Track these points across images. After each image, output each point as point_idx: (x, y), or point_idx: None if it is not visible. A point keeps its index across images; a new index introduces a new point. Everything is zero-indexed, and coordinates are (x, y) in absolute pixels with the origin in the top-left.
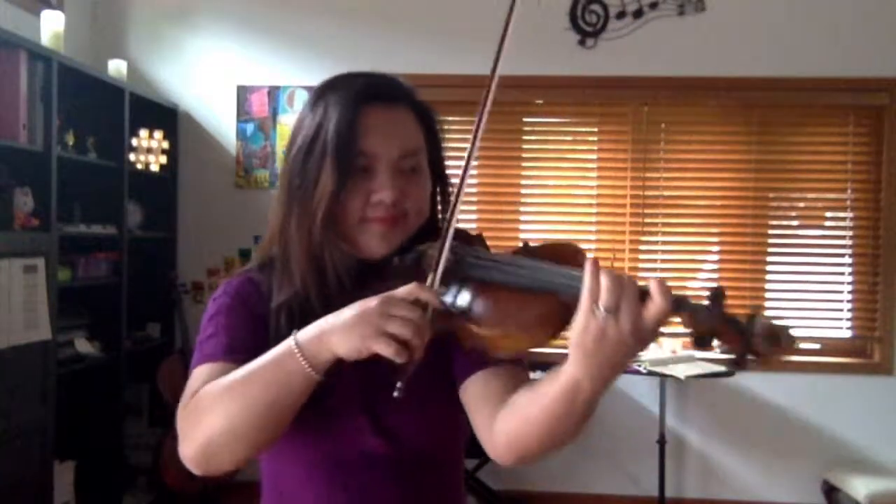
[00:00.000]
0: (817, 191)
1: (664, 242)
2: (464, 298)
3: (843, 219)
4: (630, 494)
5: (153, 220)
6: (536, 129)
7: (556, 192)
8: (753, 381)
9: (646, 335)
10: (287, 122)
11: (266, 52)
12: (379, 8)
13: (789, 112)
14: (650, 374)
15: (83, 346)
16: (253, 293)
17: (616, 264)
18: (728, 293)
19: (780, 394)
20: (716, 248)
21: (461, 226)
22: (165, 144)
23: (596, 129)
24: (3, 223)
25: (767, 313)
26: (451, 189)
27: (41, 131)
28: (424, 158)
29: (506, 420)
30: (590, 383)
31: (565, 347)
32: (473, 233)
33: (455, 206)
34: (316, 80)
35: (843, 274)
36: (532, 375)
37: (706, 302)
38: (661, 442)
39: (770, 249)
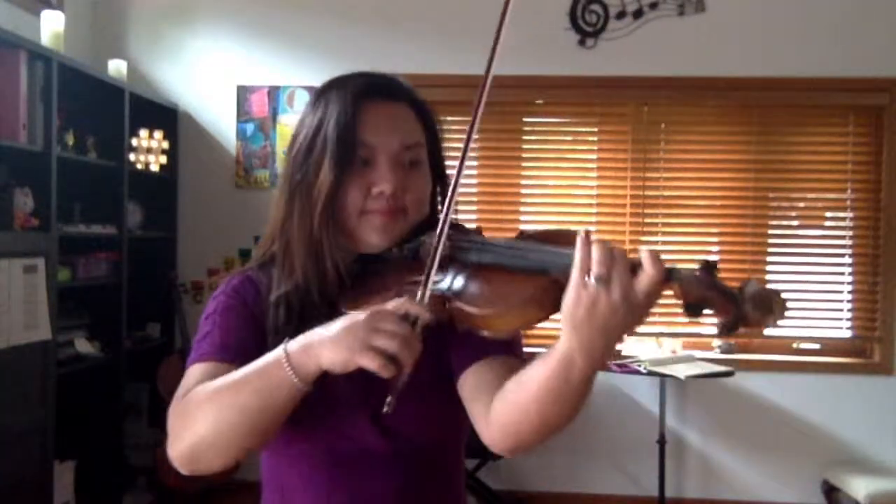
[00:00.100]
0: (817, 191)
1: (664, 242)
2: (458, 281)
3: (843, 219)
4: (630, 494)
5: (153, 220)
6: (536, 129)
7: (556, 192)
8: (753, 381)
9: (637, 306)
10: (287, 122)
11: (266, 52)
12: (379, 8)
13: (789, 112)
14: (650, 374)
15: (83, 346)
16: (252, 292)
17: None
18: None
19: (780, 394)
20: (716, 248)
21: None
22: (165, 144)
23: (596, 129)
24: (3, 223)
25: None
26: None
27: (41, 131)
28: (424, 154)
29: (500, 406)
30: (583, 357)
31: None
32: (472, 228)
33: (454, 189)
34: (316, 80)
35: (843, 274)
36: None
37: (697, 272)
38: (661, 442)
39: (770, 249)
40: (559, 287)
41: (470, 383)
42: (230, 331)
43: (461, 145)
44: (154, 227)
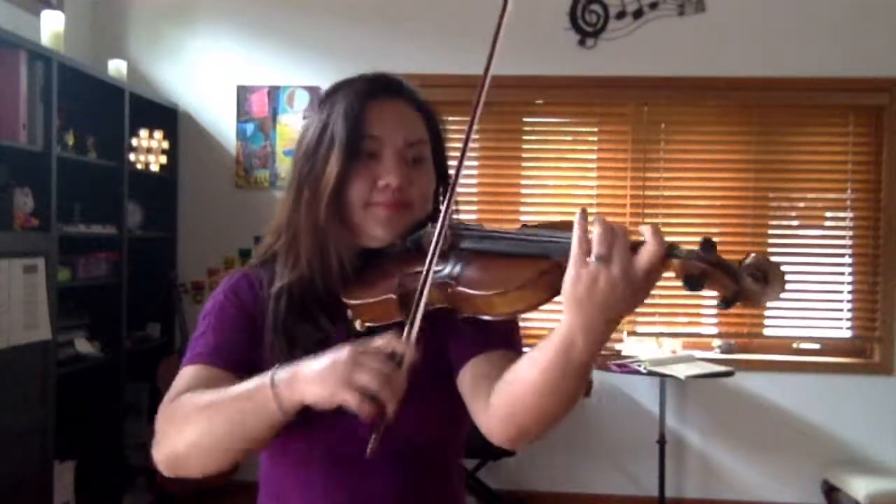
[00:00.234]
0: (817, 191)
1: None
2: (460, 266)
3: (843, 219)
4: (630, 494)
5: (153, 220)
6: (536, 128)
7: (556, 192)
8: (753, 381)
9: (637, 283)
10: (287, 122)
11: (266, 52)
12: (379, 8)
13: (789, 112)
14: (650, 374)
15: (83, 346)
16: (250, 290)
17: None
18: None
19: (780, 394)
20: None
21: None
22: (165, 144)
23: (596, 129)
24: (3, 223)
25: (767, 313)
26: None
27: (41, 131)
28: (428, 152)
29: (500, 395)
30: (583, 337)
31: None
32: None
33: (455, 181)
34: (316, 80)
35: (843, 274)
36: None
37: (697, 248)
38: (661, 442)
39: (770, 249)
40: (561, 270)
41: (469, 377)
42: (223, 332)
43: (461, 144)
44: (154, 227)
